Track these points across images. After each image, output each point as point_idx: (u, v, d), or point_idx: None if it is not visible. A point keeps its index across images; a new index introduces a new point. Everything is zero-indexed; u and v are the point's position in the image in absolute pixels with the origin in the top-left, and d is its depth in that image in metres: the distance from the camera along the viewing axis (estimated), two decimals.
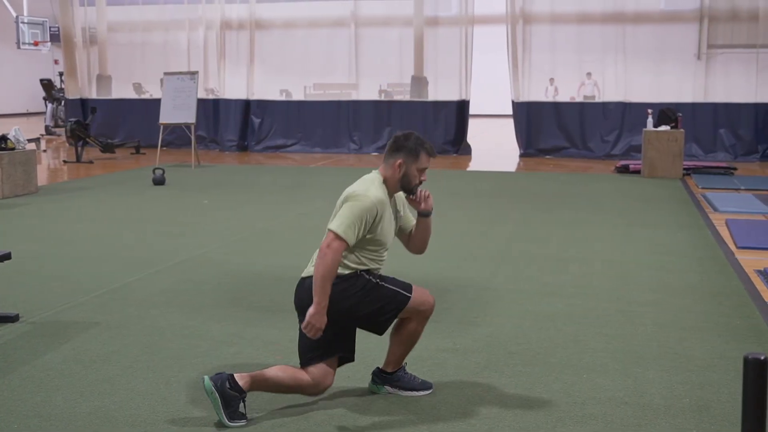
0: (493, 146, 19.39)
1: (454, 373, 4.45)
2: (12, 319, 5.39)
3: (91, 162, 15.93)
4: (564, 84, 17.64)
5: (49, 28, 27.73)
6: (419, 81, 18.21)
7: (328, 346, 3.97)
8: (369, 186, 3.94)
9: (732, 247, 7.90)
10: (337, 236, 3.80)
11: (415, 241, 4.21)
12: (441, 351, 4.81)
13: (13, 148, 11.27)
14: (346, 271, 3.93)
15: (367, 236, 3.91)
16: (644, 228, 8.89)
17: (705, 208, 10.21)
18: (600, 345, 4.94)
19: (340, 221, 3.84)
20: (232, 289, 6.28)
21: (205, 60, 19.52)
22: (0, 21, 30.95)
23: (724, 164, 14.62)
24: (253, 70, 19.04)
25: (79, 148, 16.02)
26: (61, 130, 22.61)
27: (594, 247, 7.89)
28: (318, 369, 3.96)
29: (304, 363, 4.00)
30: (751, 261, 7.25)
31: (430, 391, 4.18)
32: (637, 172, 13.91)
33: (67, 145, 19.09)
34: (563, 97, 17.38)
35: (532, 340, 5.05)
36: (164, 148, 16.60)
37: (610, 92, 17.29)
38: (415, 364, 4.52)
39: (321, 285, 3.79)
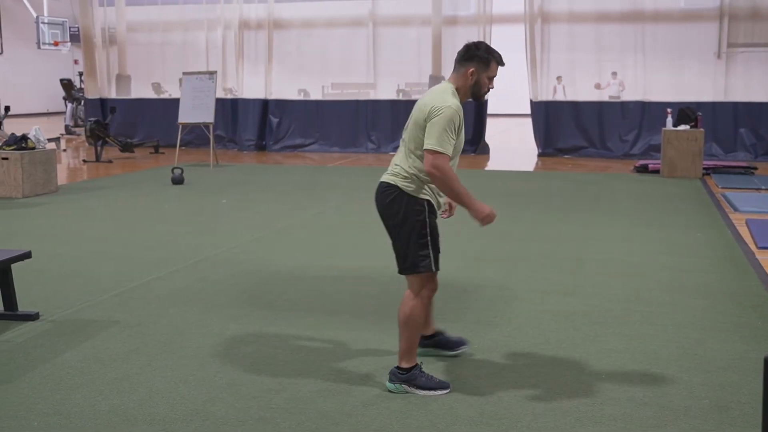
0: (512, 146, 19.36)
1: (472, 373, 4.44)
2: (32, 317, 5.43)
3: (110, 161, 16.02)
4: (582, 83, 17.54)
5: (69, 28, 27.94)
6: (437, 80, 18.12)
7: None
8: (445, 96, 4.10)
9: (752, 247, 7.84)
10: (436, 152, 3.97)
11: None
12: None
13: (33, 148, 11.35)
14: (420, 195, 4.14)
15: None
16: (663, 228, 8.84)
17: (725, 208, 10.14)
18: (619, 345, 4.92)
19: (433, 138, 3.99)
20: (250, 288, 6.30)
21: (223, 60, 19.59)
22: (20, 21, 31.22)
23: (744, 164, 14.51)
24: (272, 70, 19.08)
25: (99, 148, 16.11)
26: (80, 130, 22.76)
27: (612, 248, 7.86)
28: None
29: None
30: None
31: (447, 390, 4.17)
32: (657, 171, 13.84)
33: (86, 144, 19.21)
34: (583, 96, 17.27)
35: (551, 340, 5.03)
36: (183, 148, 16.67)
37: (630, 91, 17.23)
38: (432, 363, 4.52)
39: (457, 196, 4.08)
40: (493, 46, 4.29)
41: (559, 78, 18.03)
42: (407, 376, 4.18)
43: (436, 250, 4.18)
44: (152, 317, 5.51)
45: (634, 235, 8.48)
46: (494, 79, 4.26)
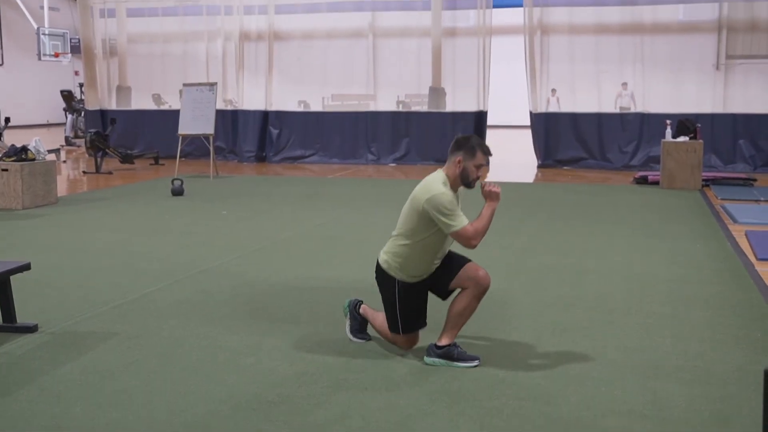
0: (511, 157, 19.35)
1: (472, 385, 4.43)
2: (31, 329, 5.42)
3: (110, 173, 16.03)
4: (582, 94, 17.55)
5: (70, 39, 28.01)
6: (437, 92, 18.22)
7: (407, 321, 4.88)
8: (439, 185, 4.65)
9: (752, 258, 7.84)
10: (462, 227, 4.59)
11: None
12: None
13: (33, 159, 11.36)
14: (391, 272, 4.81)
15: (436, 228, 4.66)
16: (663, 239, 8.84)
17: (724, 220, 10.14)
18: (619, 357, 4.91)
19: (450, 221, 4.58)
20: (250, 300, 6.29)
21: (223, 71, 19.62)
22: (21, 33, 31.30)
23: (743, 175, 14.52)
24: (272, 81, 19.11)
25: (99, 159, 16.12)
26: (80, 141, 22.77)
27: (612, 259, 7.86)
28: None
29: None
30: None
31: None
32: (656, 183, 13.85)
33: (86, 155, 19.18)
34: (582, 107, 17.28)
35: (550, 352, 5.03)
36: (183, 159, 16.67)
37: (628, 103, 17.23)
38: (433, 374, 4.52)
39: (488, 223, 4.73)
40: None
41: (553, 90, 18.02)
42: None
43: (406, 320, 4.83)
44: (152, 329, 5.50)
45: (634, 246, 8.48)
46: (483, 168, 4.73)
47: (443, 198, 4.57)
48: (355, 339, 5.18)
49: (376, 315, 5.07)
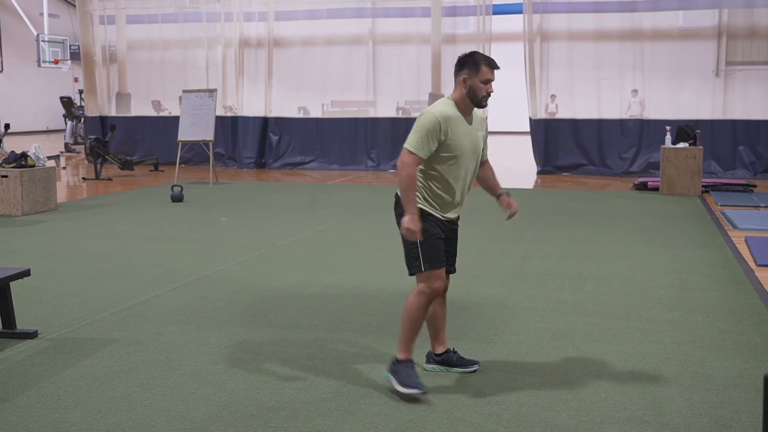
0: (511, 163, 19.37)
1: (472, 392, 4.43)
2: (31, 335, 5.42)
3: (110, 179, 16.04)
4: (582, 101, 17.56)
5: (69, 46, 28.03)
6: (437, 98, 18.05)
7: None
8: (436, 104, 4.36)
9: (752, 264, 7.84)
10: (408, 151, 4.24)
11: (479, 174, 4.68)
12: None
13: (33, 166, 11.36)
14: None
15: (441, 153, 4.29)
16: (663, 246, 8.84)
17: (724, 226, 10.14)
18: (619, 363, 4.91)
19: (410, 138, 4.26)
20: (250, 306, 6.29)
21: (223, 77, 19.65)
22: (21, 40, 31.34)
23: (743, 181, 14.53)
24: (271, 88, 19.13)
25: (99, 166, 16.13)
26: (80, 148, 22.80)
27: (612, 265, 7.85)
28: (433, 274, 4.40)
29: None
30: None
31: (418, 391, 4.27)
32: (656, 189, 13.86)
33: (86, 162, 19.22)
34: (582, 114, 17.29)
35: (550, 358, 5.02)
36: (183, 166, 16.69)
37: (628, 109, 17.25)
38: (432, 380, 4.51)
39: (405, 196, 4.26)
40: None
41: (552, 96, 18.01)
42: (395, 368, 4.38)
43: (428, 253, 4.34)
44: (151, 335, 5.50)
45: (634, 252, 8.48)
46: (491, 83, 4.40)
47: (428, 117, 4.25)
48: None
49: (408, 297, 4.47)
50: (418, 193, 4.33)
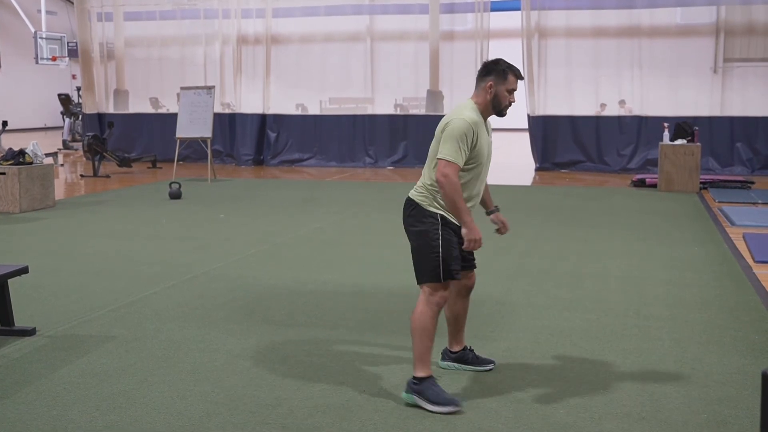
0: (509, 160, 19.37)
1: (470, 388, 4.43)
2: (29, 333, 5.42)
3: (108, 176, 16.02)
4: (580, 97, 17.56)
5: (67, 43, 27.98)
6: (435, 95, 18.24)
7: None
8: (462, 110, 4.27)
9: (749, 261, 7.84)
10: (447, 162, 4.15)
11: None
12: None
13: (31, 163, 11.35)
14: (430, 209, 4.28)
15: (468, 159, 4.24)
16: (661, 242, 8.85)
17: (722, 223, 10.15)
18: (617, 360, 4.91)
19: (445, 149, 4.17)
20: (248, 303, 6.29)
21: (221, 75, 19.63)
22: (19, 36, 31.31)
23: (741, 178, 14.55)
24: (269, 85, 19.12)
25: (96, 163, 16.12)
26: (78, 145, 22.77)
27: (610, 262, 7.86)
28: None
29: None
30: None
31: (454, 408, 4.09)
32: (654, 186, 13.87)
33: (84, 159, 19.22)
34: (580, 110, 17.28)
35: (548, 355, 5.03)
36: (181, 163, 16.68)
37: (626, 106, 17.24)
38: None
39: (457, 207, 4.18)
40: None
41: (621, 102, 17.70)
42: (419, 387, 4.17)
43: (447, 262, 4.24)
44: (149, 332, 5.50)
45: (632, 249, 8.49)
46: (514, 92, 4.37)
47: (459, 124, 4.16)
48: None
49: (415, 309, 4.31)
50: (435, 201, 4.28)
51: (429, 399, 4.12)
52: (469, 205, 4.34)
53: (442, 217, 4.27)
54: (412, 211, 4.33)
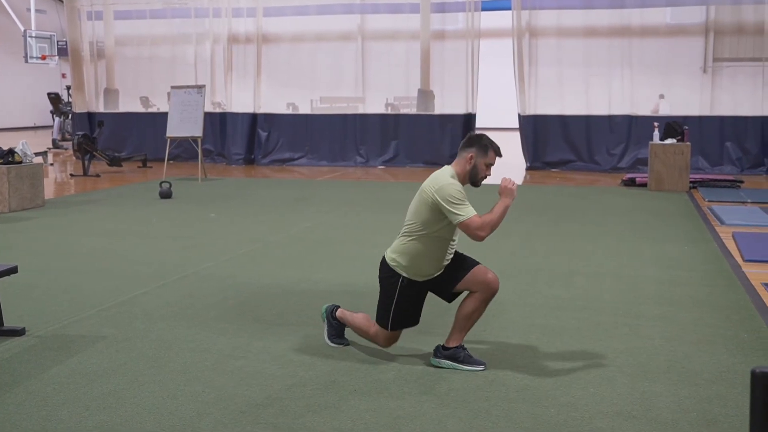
0: (500, 160, 19.39)
1: (461, 387, 4.44)
2: (18, 332, 5.39)
3: (98, 175, 15.98)
4: (570, 96, 17.59)
5: (57, 42, 27.91)
6: (426, 94, 18.24)
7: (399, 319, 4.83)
8: (445, 177, 4.61)
9: (739, 260, 7.87)
10: (468, 219, 4.50)
11: None
12: None
13: (20, 162, 11.31)
14: (398, 270, 4.73)
15: (447, 222, 4.60)
16: (651, 241, 8.87)
17: (711, 222, 10.19)
18: (607, 359, 4.92)
19: (455, 212, 4.50)
20: (239, 303, 6.28)
21: (212, 74, 19.59)
22: (8, 35, 31.18)
23: (730, 177, 14.60)
24: (260, 84, 19.10)
25: (86, 162, 16.07)
26: (68, 144, 22.69)
27: (601, 261, 7.88)
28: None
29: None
30: (758, 274, 7.23)
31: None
32: (644, 185, 13.90)
33: (74, 158, 19.16)
34: (570, 110, 17.31)
35: (539, 353, 5.04)
36: (171, 162, 16.64)
37: (617, 105, 17.27)
38: (422, 376, 4.52)
39: (501, 219, 4.60)
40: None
41: (661, 96, 17.64)
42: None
43: (398, 318, 4.78)
44: (139, 332, 5.49)
45: (623, 248, 8.51)
46: (491, 167, 4.71)
47: (453, 188, 4.52)
48: (332, 344, 5.14)
49: (354, 316, 5.06)
50: (408, 263, 4.67)
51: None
52: (447, 259, 4.74)
53: (403, 279, 4.72)
54: (381, 265, 4.86)
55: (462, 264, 4.77)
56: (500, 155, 4.73)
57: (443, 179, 4.58)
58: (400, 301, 4.72)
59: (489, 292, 4.68)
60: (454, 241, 4.72)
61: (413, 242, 4.64)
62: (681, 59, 17.40)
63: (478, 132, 4.82)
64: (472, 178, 4.68)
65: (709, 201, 12.09)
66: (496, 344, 5.23)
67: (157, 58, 20.33)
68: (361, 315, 5.05)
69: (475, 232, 4.50)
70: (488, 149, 4.66)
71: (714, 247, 8.51)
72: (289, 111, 19.48)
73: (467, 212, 4.49)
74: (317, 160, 18.44)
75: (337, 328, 5.16)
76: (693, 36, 17.46)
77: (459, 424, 3.96)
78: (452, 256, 4.77)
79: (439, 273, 4.74)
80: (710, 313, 5.97)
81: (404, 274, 4.68)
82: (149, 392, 4.37)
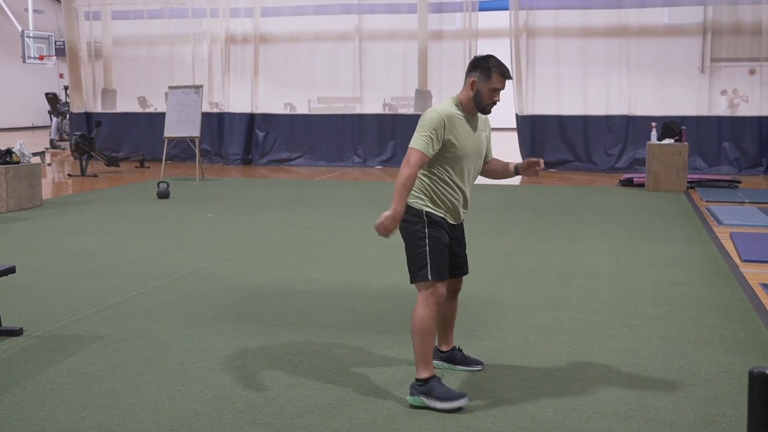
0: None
1: (458, 387, 4.43)
2: (16, 333, 5.39)
3: (95, 175, 15.97)
4: (568, 97, 17.60)
5: (55, 42, 27.86)
6: (423, 94, 18.24)
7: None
8: (440, 104, 4.27)
9: (736, 260, 7.88)
10: (414, 150, 4.13)
11: (487, 168, 4.69)
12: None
13: (18, 162, 11.30)
14: (416, 205, 4.24)
15: (446, 153, 4.19)
16: (649, 241, 8.88)
17: (709, 222, 10.19)
18: (605, 359, 4.93)
19: (414, 138, 4.16)
20: (236, 303, 6.28)
21: (209, 74, 19.58)
22: (6, 35, 31.14)
23: (728, 177, 14.61)
24: (258, 84, 19.09)
25: (84, 162, 16.06)
26: (66, 144, 22.69)
27: (598, 261, 7.88)
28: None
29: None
30: (755, 274, 7.24)
31: (465, 400, 4.11)
32: (642, 185, 13.91)
33: (71, 158, 19.15)
34: (568, 110, 17.32)
35: (537, 354, 5.04)
36: (169, 162, 16.63)
37: (614, 105, 17.28)
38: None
39: (398, 192, 4.11)
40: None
41: (735, 90, 17.35)
42: (425, 388, 4.15)
43: (435, 261, 4.20)
44: (137, 332, 5.48)
45: (620, 248, 8.51)
46: (499, 92, 4.27)
47: (431, 115, 4.17)
48: (451, 405, 4.18)
49: (414, 310, 4.27)
50: (425, 196, 4.23)
51: (437, 397, 4.11)
52: (457, 218, 4.35)
53: (427, 214, 4.23)
54: (404, 215, 4.23)
55: (463, 249, 4.54)
56: (508, 77, 4.29)
57: (439, 105, 4.26)
58: (431, 241, 4.19)
59: (455, 291, 4.58)
60: (459, 188, 4.30)
61: (423, 175, 4.23)
62: (678, 59, 17.41)
63: (484, 54, 4.35)
64: (478, 105, 4.26)
65: (706, 201, 12.10)
66: (493, 344, 5.22)
67: (155, 59, 20.32)
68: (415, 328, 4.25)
69: (404, 163, 4.11)
70: (491, 72, 4.22)
71: (711, 247, 8.52)
72: (287, 111, 19.48)
73: (418, 144, 4.12)
74: (315, 161, 18.43)
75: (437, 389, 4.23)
76: (690, 36, 17.47)
77: (456, 423, 3.96)
78: (465, 213, 4.41)
79: (454, 223, 4.35)
80: (708, 314, 5.97)
81: (426, 208, 4.21)
82: (147, 392, 4.37)
